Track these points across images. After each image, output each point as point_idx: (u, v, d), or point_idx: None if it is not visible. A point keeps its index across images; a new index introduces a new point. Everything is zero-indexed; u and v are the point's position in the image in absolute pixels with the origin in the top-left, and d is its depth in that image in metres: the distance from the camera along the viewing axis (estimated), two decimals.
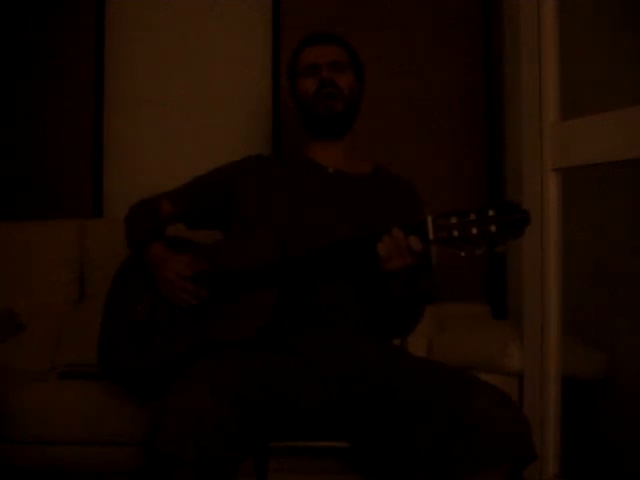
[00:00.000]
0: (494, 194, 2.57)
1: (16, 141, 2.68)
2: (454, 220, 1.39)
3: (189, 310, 1.65)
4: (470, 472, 1.35)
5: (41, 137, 2.68)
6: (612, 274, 2.10)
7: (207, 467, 1.33)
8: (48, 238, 2.53)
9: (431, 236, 1.41)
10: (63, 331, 2.42)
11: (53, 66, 2.69)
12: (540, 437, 1.83)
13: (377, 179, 1.82)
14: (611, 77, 2.09)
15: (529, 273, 1.93)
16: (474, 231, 1.37)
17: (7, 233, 2.53)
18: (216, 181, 1.83)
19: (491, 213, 1.37)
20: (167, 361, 1.61)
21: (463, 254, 1.39)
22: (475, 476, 1.35)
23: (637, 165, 1.73)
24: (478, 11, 2.61)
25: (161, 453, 1.33)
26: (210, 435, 1.34)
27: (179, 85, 2.71)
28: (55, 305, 2.49)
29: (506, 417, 1.35)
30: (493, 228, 1.36)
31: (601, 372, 2.04)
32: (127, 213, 1.88)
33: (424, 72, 2.61)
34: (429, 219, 1.41)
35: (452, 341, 2.19)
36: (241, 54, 2.72)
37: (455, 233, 1.39)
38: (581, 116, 1.80)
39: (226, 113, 2.71)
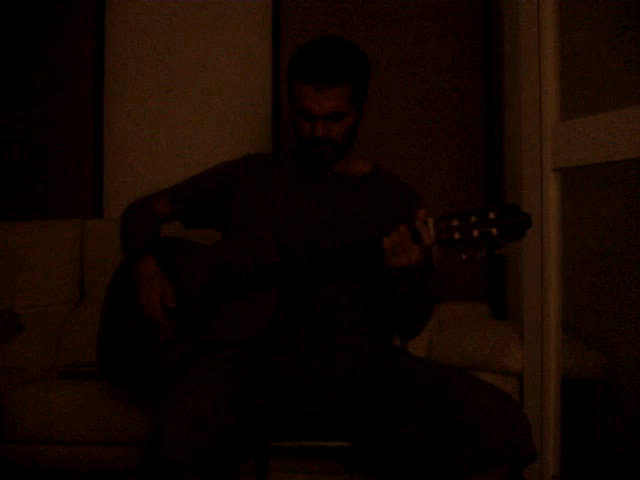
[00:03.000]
0: (494, 194, 2.57)
1: (16, 141, 2.68)
2: (455, 222, 1.40)
3: (190, 311, 1.65)
4: (470, 472, 1.35)
5: (41, 137, 2.68)
6: (612, 274, 2.10)
7: (207, 470, 1.33)
8: (48, 238, 2.52)
9: (432, 238, 1.42)
10: (63, 331, 2.42)
11: (53, 66, 2.68)
12: (540, 437, 1.83)
13: (376, 180, 1.82)
14: (611, 77, 2.09)
15: (529, 273, 1.93)
16: (475, 233, 1.38)
17: (7, 233, 2.52)
18: (214, 180, 1.83)
19: (492, 216, 1.37)
20: (167, 363, 1.61)
21: (464, 256, 1.40)
22: (475, 476, 1.35)
23: (637, 165, 1.73)
24: (478, 11, 2.61)
25: (161, 457, 1.33)
26: (210, 438, 1.33)
27: (179, 85, 2.71)
28: (55, 305, 2.49)
29: (506, 417, 1.36)
30: (494, 231, 1.37)
31: (601, 372, 2.04)
32: (124, 212, 1.87)
33: (424, 72, 2.61)
34: (430, 221, 1.42)
35: (452, 341, 2.19)
36: (241, 54, 2.72)
37: (456, 235, 1.39)
38: (581, 116, 1.80)
39: (226, 113, 2.71)
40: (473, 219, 1.39)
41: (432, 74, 2.61)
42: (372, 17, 2.61)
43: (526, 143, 1.93)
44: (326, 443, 1.64)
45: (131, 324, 1.72)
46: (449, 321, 2.37)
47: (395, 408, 1.46)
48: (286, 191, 1.76)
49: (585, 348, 2.06)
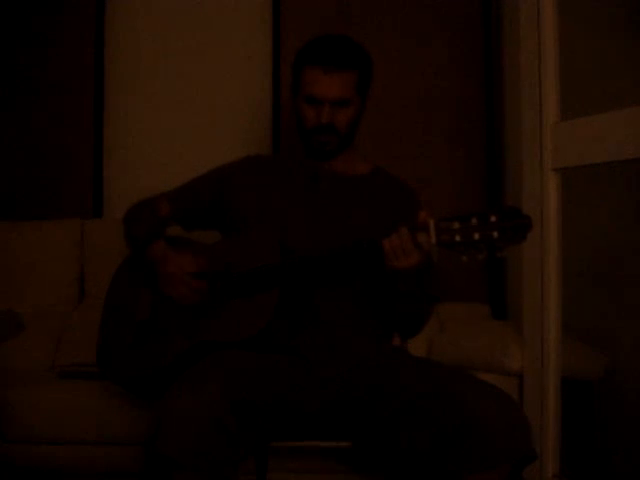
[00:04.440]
0: (494, 194, 2.57)
1: (16, 141, 2.67)
2: (456, 225, 1.40)
3: (189, 310, 1.65)
4: (470, 472, 1.35)
5: (41, 137, 2.67)
6: (612, 274, 2.10)
7: (206, 469, 1.34)
8: (48, 238, 2.52)
9: (433, 240, 1.42)
10: (63, 331, 2.42)
11: (54, 66, 2.68)
12: (540, 437, 1.83)
13: (376, 180, 1.82)
14: (611, 77, 2.09)
15: (529, 273, 1.93)
16: (476, 236, 1.38)
17: (7, 233, 2.52)
18: (215, 181, 1.83)
19: (493, 219, 1.38)
20: (167, 362, 1.61)
21: (465, 259, 1.40)
22: (475, 476, 1.35)
23: (637, 165, 1.73)
24: (478, 11, 2.61)
25: (161, 455, 1.33)
26: (209, 437, 1.34)
27: (179, 85, 2.71)
28: (55, 305, 2.49)
29: (506, 417, 1.36)
30: (495, 234, 1.37)
31: (601, 372, 2.04)
32: (125, 214, 1.87)
33: (424, 72, 2.61)
34: (431, 222, 1.42)
35: (452, 341, 2.19)
36: (241, 54, 2.72)
37: (457, 238, 1.40)
38: (581, 116, 1.80)
39: (226, 113, 2.70)
40: (474, 221, 1.39)
41: (432, 74, 2.61)
42: (372, 17, 2.61)
43: (526, 143, 1.94)
44: (326, 443, 1.64)
45: (131, 323, 1.72)
46: (449, 321, 2.37)
47: (395, 408, 1.46)
48: (286, 192, 1.77)
49: (585, 348, 2.06)
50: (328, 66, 1.65)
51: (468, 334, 2.16)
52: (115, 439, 1.89)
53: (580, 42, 2.13)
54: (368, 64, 1.73)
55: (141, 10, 2.73)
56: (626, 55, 2.05)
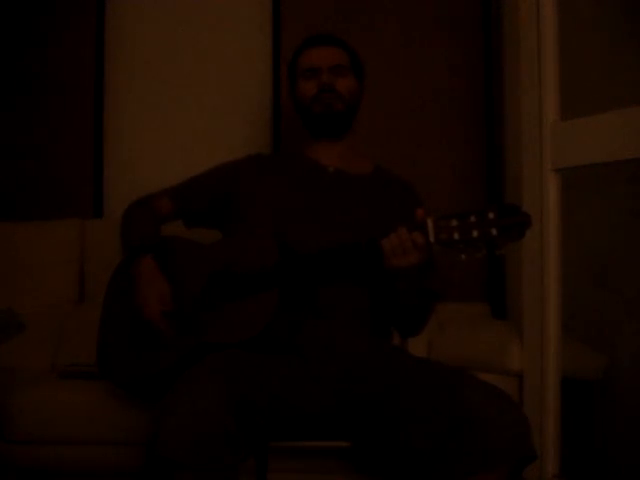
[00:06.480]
0: (494, 194, 2.57)
1: (16, 141, 2.67)
2: (454, 223, 1.40)
3: (189, 311, 1.65)
4: (470, 472, 1.35)
5: (41, 137, 2.67)
6: (612, 274, 2.10)
7: (207, 470, 1.34)
8: (48, 238, 2.52)
9: (431, 238, 1.42)
10: (63, 331, 2.42)
11: (53, 66, 2.68)
12: (540, 437, 1.83)
13: (377, 179, 1.82)
14: (611, 77, 2.09)
15: (529, 273, 1.93)
16: (475, 234, 1.38)
17: (7, 233, 2.52)
18: (216, 180, 1.83)
19: (491, 216, 1.37)
20: (167, 363, 1.61)
21: (464, 257, 1.40)
22: (475, 476, 1.35)
23: (637, 165, 1.73)
24: (478, 11, 2.61)
25: (161, 456, 1.33)
26: (210, 438, 1.34)
27: (179, 85, 2.71)
28: (55, 305, 2.49)
29: (506, 417, 1.36)
30: (494, 231, 1.37)
31: (601, 372, 2.04)
32: (125, 211, 1.87)
33: (424, 72, 2.61)
34: (429, 221, 1.42)
35: (452, 341, 2.19)
36: (241, 54, 2.71)
37: (456, 236, 1.39)
38: (581, 116, 1.80)
39: (226, 113, 2.70)
40: (472, 219, 1.39)
41: (432, 74, 2.61)
42: (372, 16, 2.61)
43: (526, 143, 1.94)
44: (326, 443, 1.64)
45: (131, 323, 1.72)
46: (449, 321, 2.36)
47: (395, 408, 1.46)
48: (287, 190, 1.77)
49: (585, 348, 2.06)
50: (321, 43, 1.81)
51: (468, 334, 2.16)
52: (115, 439, 1.89)
53: (580, 42, 2.13)
54: (358, 56, 1.84)
55: (141, 10, 2.73)
56: (626, 55, 2.05)
